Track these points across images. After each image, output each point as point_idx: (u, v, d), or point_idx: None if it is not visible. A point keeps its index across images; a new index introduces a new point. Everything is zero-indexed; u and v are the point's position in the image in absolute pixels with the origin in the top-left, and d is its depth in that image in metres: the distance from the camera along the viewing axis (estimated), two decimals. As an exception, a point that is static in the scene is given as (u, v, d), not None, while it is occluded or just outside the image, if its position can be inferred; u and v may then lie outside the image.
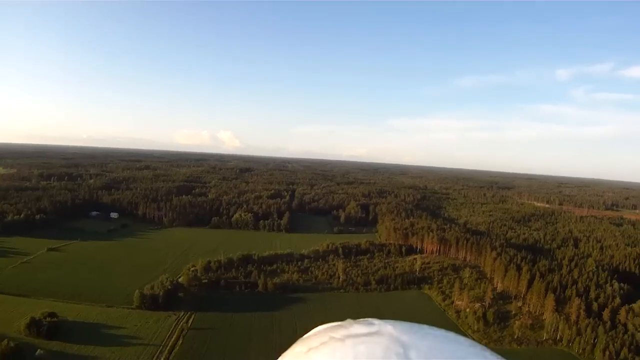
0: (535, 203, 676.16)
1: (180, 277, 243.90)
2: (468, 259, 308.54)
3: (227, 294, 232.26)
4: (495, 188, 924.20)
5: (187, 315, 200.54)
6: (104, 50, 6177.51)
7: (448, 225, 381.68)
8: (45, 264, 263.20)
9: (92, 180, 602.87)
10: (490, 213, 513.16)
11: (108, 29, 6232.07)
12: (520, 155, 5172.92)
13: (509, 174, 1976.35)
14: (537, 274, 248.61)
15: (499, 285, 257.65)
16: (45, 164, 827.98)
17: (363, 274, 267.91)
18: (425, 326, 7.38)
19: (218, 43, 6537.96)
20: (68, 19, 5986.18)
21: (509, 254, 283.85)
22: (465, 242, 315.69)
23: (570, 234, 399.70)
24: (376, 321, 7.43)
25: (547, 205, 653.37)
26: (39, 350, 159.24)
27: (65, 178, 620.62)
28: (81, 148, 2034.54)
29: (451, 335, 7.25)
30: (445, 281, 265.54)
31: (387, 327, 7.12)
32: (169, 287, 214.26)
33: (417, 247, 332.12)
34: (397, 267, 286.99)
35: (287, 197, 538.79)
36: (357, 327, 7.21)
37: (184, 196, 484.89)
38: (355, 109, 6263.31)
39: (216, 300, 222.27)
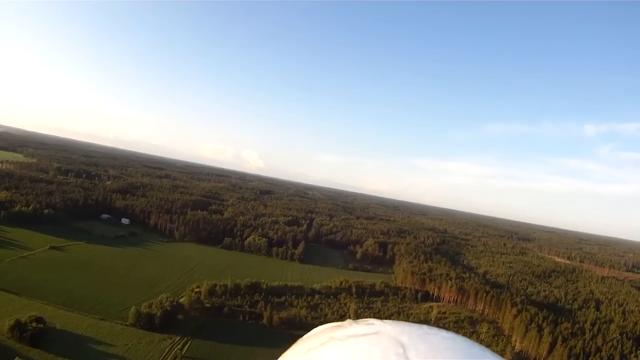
0: (556, 258, 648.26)
1: (182, 297, 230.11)
2: (486, 312, 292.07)
3: (229, 323, 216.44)
4: (515, 239, 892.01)
5: (184, 340, 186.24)
6: (142, 54, 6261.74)
7: (467, 274, 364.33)
8: (44, 262, 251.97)
9: (109, 182, 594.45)
10: (511, 265, 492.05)
11: (150, 36, 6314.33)
12: (541, 206, 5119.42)
13: (528, 224, 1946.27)
14: (560, 337, 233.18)
15: (518, 344, 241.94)
16: (66, 158, 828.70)
17: (375, 318, 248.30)
18: (424, 326, 7.63)
19: (255, 65, 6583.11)
20: (110, 16, 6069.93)
21: (530, 312, 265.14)
22: (484, 294, 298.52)
23: (591, 295, 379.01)
24: (376, 321, 7.75)
25: (568, 262, 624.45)
26: (17, 357, 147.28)
27: (83, 176, 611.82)
28: (105, 148, 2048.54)
29: (450, 335, 7.44)
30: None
31: (387, 328, 7.34)
32: (168, 307, 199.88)
33: (433, 294, 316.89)
34: (411, 313, 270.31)
35: (305, 226, 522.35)
36: (356, 328, 7.55)
37: (199, 211, 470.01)
38: (380, 144, 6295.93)
39: (217, 328, 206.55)
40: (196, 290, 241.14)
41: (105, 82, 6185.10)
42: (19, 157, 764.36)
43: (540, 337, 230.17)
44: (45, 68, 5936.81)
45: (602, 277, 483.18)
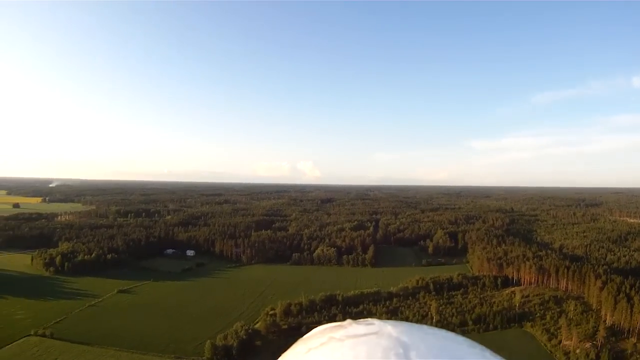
0: (629, 219, 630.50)
1: (257, 322, 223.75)
2: (570, 289, 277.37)
3: None
4: (583, 206, 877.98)
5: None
6: (183, 84, 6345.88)
7: (544, 252, 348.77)
8: (113, 307, 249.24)
9: (169, 217, 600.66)
10: (585, 234, 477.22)
11: (185, 62, 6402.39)
12: (602, 168, 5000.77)
13: (593, 189, 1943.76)
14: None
15: (608, 318, 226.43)
16: (124, 200, 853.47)
17: (458, 312, 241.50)
18: (424, 326, 7.93)
19: (293, 75, 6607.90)
20: (146, 47, 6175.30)
21: (616, 282, 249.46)
22: (565, 270, 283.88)
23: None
24: (376, 321, 7.86)
25: None
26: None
27: (143, 214, 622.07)
28: (161, 183, 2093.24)
29: (451, 335, 7.74)
30: (548, 317, 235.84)
31: (387, 328, 7.49)
32: (244, 336, 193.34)
33: (513, 278, 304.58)
34: (494, 302, 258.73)
35: (371, 229, 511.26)
36: (356, 328, 7.69)
37: (263, 231, 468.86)
38: (432, 133, 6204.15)
39: None
40: (271, 312, 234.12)
41: (151, 117, 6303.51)
42: (77, 206, 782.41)
43: (632, 307, 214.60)
44: (93, 115, 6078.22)
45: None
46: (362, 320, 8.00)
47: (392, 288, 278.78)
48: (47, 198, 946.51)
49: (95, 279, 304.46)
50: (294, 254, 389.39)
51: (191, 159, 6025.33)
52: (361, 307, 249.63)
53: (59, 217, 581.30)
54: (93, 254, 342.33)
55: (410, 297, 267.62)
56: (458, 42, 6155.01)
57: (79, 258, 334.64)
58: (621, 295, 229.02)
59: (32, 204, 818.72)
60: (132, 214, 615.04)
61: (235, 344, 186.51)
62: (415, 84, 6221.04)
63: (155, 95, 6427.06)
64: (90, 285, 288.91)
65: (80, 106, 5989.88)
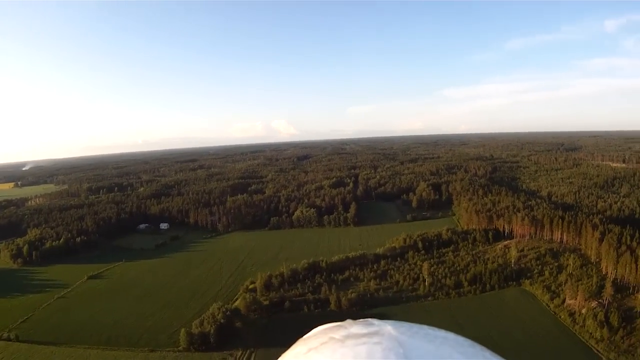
0: (611, 164, 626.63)
1: (236, 300, 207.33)
2: (566, 240, 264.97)
3: (293, 318, 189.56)
4: (562, 150, 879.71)
5: (247, 354, 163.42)
6: (153, 52, 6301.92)
7: (534, 201, 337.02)
8: (83, 296, 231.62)
9: (141, 189, 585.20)
10: (570, 180, 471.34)
11: (156, 30, 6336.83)
12: (578, 112, 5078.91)
13: (570, 132, 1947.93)
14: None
15: (610, 272, 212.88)
16: (97, 176, 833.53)
17: (451, 273, 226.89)
18: (425, 326, 7.96)
19: (266, 35, 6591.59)
20: (115, 22, 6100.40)
21: (615, 233, 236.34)
22: (560, 221, 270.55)
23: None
24: (376, 321, 8.00)
25: (624, 165, 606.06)
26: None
27: (115, 189, 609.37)
28: (135, 154, 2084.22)
29: (451, 335, 7.73)
30: (546, 272, 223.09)
31: (387, 328, 7.62)
32: (222, 320, 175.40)
33: (504, 231, 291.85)
34: (487, 259, 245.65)
35: (351, 185, 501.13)
36: (356, 328, 7.78)
37: (239, 195, 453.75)
38: (407, 83, 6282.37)
39: (281, 328, 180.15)
40: (251, 287, 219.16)
41: (122, 88, 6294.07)
42: (50, 187, 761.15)
43: (636, 260, 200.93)
44: (62, 93, 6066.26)
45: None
46: (362, 320, 8.19)
47: (378, 249, 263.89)
48: (19, 182, 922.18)
49: (65, 266, 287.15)
50: (272, 218, 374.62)
51: (165, 126, 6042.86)
52: (347, 273, 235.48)
53: (30, 202, 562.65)
54: (62, 239, 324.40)
55: (398, 258, 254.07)
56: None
57: (47, 245, 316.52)
58: (623, 248, 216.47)
59: (3, 190, 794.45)
60: (104, 190, 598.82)
61: (212, 330, 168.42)
62: (387, 35, 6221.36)
63: (124, 66, 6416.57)
64: (60, 274, 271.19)
65: (49, 84, 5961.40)
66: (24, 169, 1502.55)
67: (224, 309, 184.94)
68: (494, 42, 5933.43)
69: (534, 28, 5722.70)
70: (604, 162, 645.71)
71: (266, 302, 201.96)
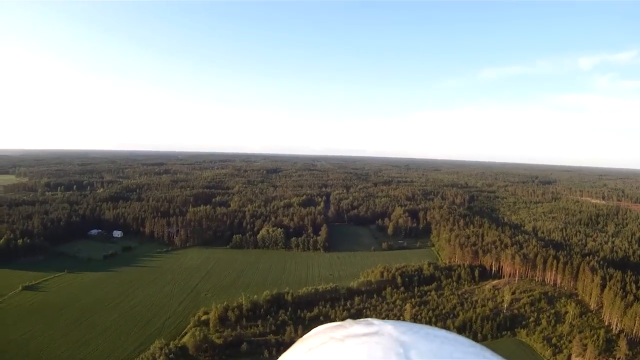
0: (591, 200, 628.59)
1: (184, 335, 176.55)
2: (560, 283, 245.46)
3: None
4: (537, 183, 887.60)
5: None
6: (138, 53, 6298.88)
7: (521, 237, 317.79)
8: (12, 311, 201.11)
9: (100, 190, 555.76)
10: (552, 215, 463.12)
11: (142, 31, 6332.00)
12: (550, 145, 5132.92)
13: (542, 166, 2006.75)
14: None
15: (615, 324, 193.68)
16: (59, 171, 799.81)
17: (437, 317, 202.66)
18: (425, 326, 8.14)
19: (243, 44, 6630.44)
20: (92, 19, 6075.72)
21: (618, 279, 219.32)
22: (554, 261, 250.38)
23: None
24: (376, 321, 8.15)
25: (604, 202, 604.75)
26: None
27: (74, 187, 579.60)
28: (104, 152, 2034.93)
29: (451, 335, 7.93)
30: (543, 321, 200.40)
31: (387, 327, 7.69)
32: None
33: (491, 269, 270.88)
34: (476, 302, 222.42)
35: (322, 204, 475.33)
36: (357, 328, 7.90)
37: (202, 207, 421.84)
38: (379, 104, 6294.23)
39: None
40: (203, 318, 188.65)
41: (103, 84, 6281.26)
42: (11, 178, 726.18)
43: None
44: (40, 78, 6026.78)
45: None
46: (362, 320, 8.36)
47: (352, 282, 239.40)
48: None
49: (1, 270, 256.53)
50: (235, 235, 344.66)
51: (138, 128, 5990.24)
52: (316, 310, 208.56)
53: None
54: (2, 239, 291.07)
55: (375, 295, 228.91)
56: (407, 16, 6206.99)
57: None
58: (630, 297, 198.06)
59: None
60: (62, 187, 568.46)
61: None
62: (363, 55, 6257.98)
63: (109, 61, 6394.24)
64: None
65: (26, 69, 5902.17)
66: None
67: (167, 350, 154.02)
68: (468, 69, 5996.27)
69: (510, 59, 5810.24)
70: (583, 198, 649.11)
71: (220, 341, 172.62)
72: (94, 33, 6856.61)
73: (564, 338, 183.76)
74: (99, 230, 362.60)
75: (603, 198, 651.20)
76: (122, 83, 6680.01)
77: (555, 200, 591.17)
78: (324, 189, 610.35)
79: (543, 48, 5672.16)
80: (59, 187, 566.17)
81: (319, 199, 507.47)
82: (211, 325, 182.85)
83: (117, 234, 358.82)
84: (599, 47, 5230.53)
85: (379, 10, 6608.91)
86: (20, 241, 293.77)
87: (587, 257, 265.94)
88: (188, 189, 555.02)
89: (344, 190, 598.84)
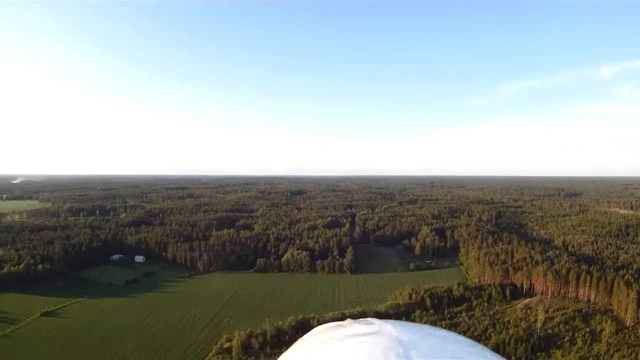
0: (619, 210, 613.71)
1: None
2: (594, 299, 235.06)
3: None
4: (564, 196, 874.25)
5: None
6: (159, 78, 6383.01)
7: (552, 252, 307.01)
8: (31, 337, 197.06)
9: (123, 215, 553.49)
10: (582, 228, 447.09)
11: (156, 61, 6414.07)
12: (573, 157, 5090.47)
13: (567, 177, 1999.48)
14: None
15: None
16: (82, 196, 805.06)
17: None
18: (425, 326, 8.38)
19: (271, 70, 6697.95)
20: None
21: None
22: (587, 277, 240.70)
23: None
24: (376, 321, 8.44)
25: (633, 212, 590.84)
26: None
27: (97, 212, 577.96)
28: (129, 177, 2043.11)
29: (451, 335, 8.08)
30: (579, 340, 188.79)
31: (387, 327, 7.85)
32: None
33: (522, 287, 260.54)
34: (508, 322, 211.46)
35: (347, 225, 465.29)
36: (357, 327, 8.13)
37: (225, 230, 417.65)
38: (401, 123, 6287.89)
39: None
40: (226, 346, 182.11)
41: (127, 110, 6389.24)
42: (34, 203, 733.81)
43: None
44: (65, 106, 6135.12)
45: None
46: (362, 319, 8.65)
47: (379, 306, 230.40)
48: (4, 196, 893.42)
49: (20, 295, 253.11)
50: (259, 259, 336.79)
51: (163, 153, 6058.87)
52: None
53: (7, 217, 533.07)
54: (22, 265, 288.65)
55: (403, 318, 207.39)
56: (424, 37, 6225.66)
57: (5, 270, 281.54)
58: None
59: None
60: (85, 212, 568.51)
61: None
62: (385, 78, 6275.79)
63: (135, 88, 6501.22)
64: (12, 305, 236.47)
65: (53, 96, 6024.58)
66: (14, 181, 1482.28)
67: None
68: (488, 85, 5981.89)
69: (529, 73, 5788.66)
70: (611, 209, 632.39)
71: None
72: (120, 63, 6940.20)
73: (601, 358, 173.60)
74: (121, 256, 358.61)
75: (631, 208, 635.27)
76: (148, 108, 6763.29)
77: (583, 213, 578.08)
78: (348, 210, 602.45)
79: (563, 59, 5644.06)
80: (81, 212, 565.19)
81: (344, 220, 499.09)
82: (234, 353, 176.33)
83: (139, 259, 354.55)
84: (620, 54, 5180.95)
85: (398, 35, 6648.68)
86: (40, 266, 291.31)
87: (621, 271, 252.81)
88: (211, 212, 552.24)
89: (369, 211, 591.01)
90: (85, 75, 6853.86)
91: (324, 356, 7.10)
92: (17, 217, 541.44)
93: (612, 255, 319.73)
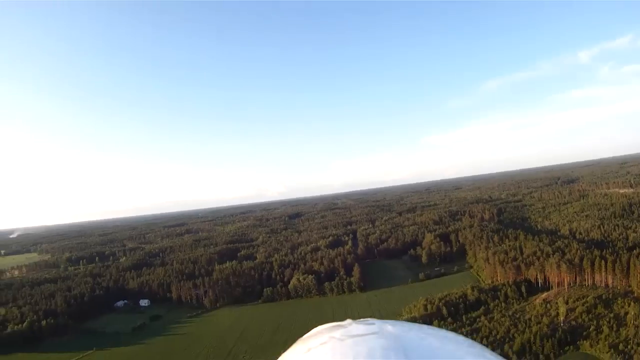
0: (619, 190, 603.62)
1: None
2: (612, 283, 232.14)
3: None
4: (561, 183, 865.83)
5: None
6: (145, 115, 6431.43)
7: (562, 242, 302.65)
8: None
9: (123, 259, 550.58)
10: (585, 213, 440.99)
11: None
12: (564, 144, 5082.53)
13: (561, 165, 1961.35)
14: None
15: None
16: (80, 244, 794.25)
17: (492, 344, 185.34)
18: (425, 326, 8.63)
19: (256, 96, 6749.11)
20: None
21: None
22: (602, 262, 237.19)
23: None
24: (376, 321, 8.58)
25: (632, 190, 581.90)
26: None
27: (96, 259, 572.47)
28: (125, 219, 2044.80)
29: (451, 335, 8.19)
30: (605, 327, 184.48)
31: (387, 327, 7.98)
32: None
33: (537, 281, 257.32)
34: (529, 319, 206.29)
35: (350, 243, 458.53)
36: (357, 327, 8.29)
37: (227, 263, 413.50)
38: (388, 134, 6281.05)
39: None
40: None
41: (116, 152, 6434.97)
42: (33, 256, 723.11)
43: None
44: (54, 156, 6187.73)
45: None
46: (362, 319, 8.87)
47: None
48: (2, 251, 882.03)
49: (27, 355, 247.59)
50: (265, 289, 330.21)
51: (156, 190, 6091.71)
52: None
53: (6, 274, 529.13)
54: (25, 322, 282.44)
55: None
56: (400, 41, 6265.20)
57: (9, 329, 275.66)
58: None
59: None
60: (85, 260, 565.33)
61: None
62: (364, 87, 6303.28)
63: (119, 129, 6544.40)
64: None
65: (44, 146, 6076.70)
66: (11, 236, 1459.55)
67: None
68: (470, 85, 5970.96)
69: (509, 67, 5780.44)
70: (611, 190, 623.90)
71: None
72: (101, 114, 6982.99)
73: (631, 341, 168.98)
74: (125, 301, 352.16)
75: (631, 186, 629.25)
76: (136, 149, 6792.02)
77: (583, 198, 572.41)
78: (349, 227, 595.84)
79: (540, 50, 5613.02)
80: (81, 261, 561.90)
81: (346, 238, 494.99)
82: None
83: (144, 302, 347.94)
84: (595, 37, 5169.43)
85: (375, 48, 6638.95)
86: (44, 322, 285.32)
87: (634, 250, 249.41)
88: (211, 246, 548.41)
89: (370, 225, 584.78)
90: (65, 125, 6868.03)
91: (324, 356, 7.15)
92: (16, 272, 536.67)
93: (621, 237, 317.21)
